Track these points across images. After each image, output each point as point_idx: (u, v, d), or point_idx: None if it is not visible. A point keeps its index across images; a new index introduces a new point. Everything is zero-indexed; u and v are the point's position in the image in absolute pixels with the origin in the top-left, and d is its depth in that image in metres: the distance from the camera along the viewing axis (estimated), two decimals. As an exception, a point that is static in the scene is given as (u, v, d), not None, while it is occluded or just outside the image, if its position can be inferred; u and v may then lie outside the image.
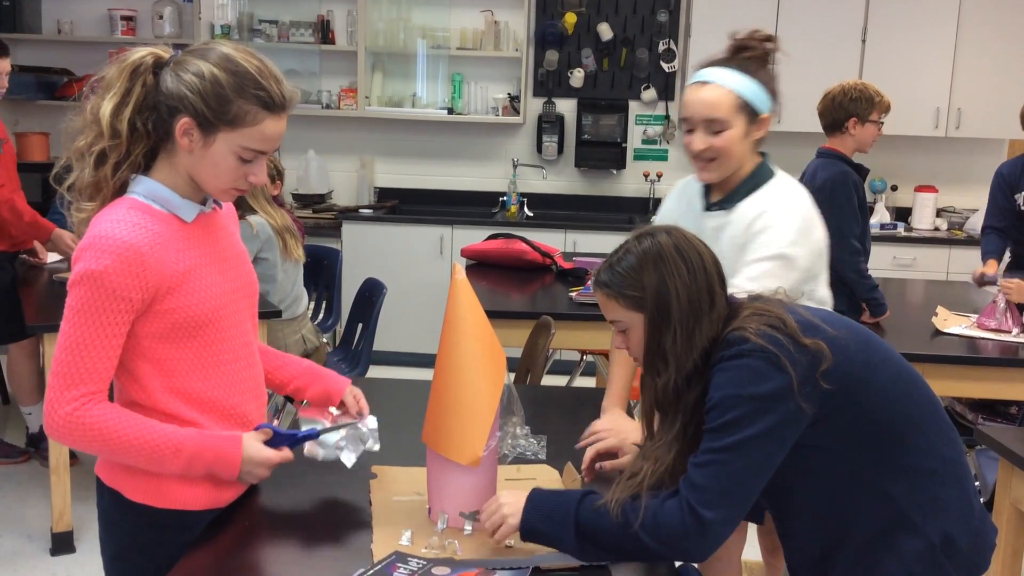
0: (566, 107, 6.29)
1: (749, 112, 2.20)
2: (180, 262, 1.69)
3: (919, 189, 6.18)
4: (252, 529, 1.80)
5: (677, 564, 1.80)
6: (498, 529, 1.71)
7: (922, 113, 5.85)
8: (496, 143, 6.39)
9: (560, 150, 6.27)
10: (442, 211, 6.16)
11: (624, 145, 6.24)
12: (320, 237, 5.70)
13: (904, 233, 6.00)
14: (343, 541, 1.77)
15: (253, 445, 1.76)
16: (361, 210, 6.10)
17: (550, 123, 6.20)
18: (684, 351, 1.68)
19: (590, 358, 4.78)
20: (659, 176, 6.25)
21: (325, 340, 4.56)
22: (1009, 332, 3.53)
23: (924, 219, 6.14)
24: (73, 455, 3.88)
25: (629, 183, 6.38)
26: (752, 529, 2.85)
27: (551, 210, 6.30)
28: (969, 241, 5.73)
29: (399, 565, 1.63)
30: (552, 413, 2.50)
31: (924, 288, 4.67)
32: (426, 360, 4.92)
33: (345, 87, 6.21)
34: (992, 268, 4.27)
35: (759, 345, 1.61)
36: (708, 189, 2.35)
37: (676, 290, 1.68)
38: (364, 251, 5.86)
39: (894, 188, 6.28)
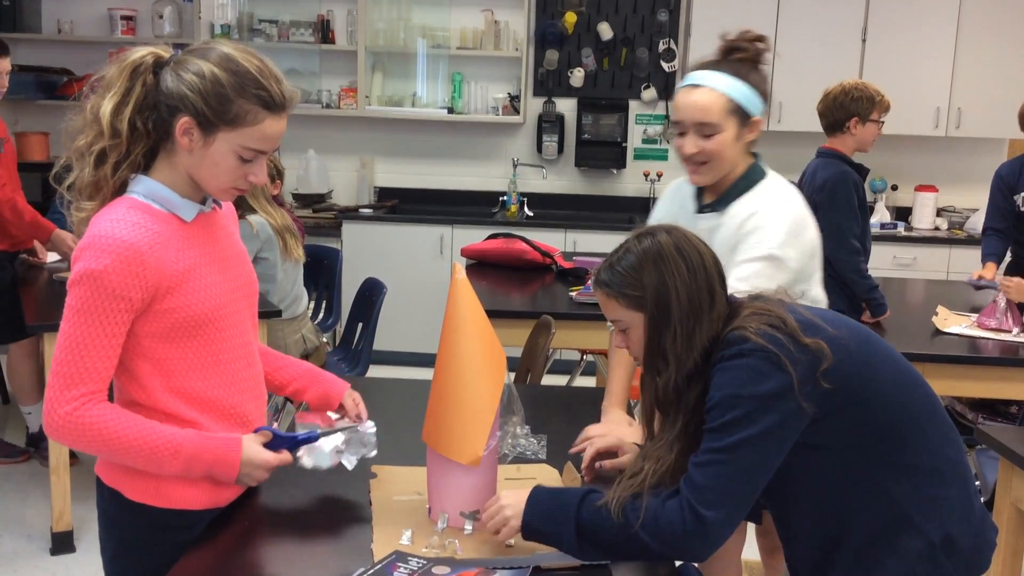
0: (566, 107, 6.29)
1: (740, 115, 2.20)
2: (180, 262, 1.69)
3: (919, 189, 6.18)
4: (252, 529, 1.80)
5: (677, 564, 1.80)
6: (500, 530, 1.71)
7: (922, 113, 5.85)
8: (496, 143, 6.39)
9: (560, 150, 6.27)
10: (442, 211, 6.16)
11: (624, 145, 6.24)
12: (320, 237, 5.70)
13: (904, 233, 6.00)
14: (343, 540, 1.77)
15: (252, 447, 1.75)
16: (361, 210, 6.10)
17: (550, 123, 6.20)
18: (684, 350, 1.68)
19: (590, 358, 4.78)
20: (659, 176, 6.25)
21: (325, 340, 4.56)
22: (1009, 332, 3.53)
23: (924, 219, 6.14)
24: (73, 455, 3.87)
25: (629, 183, 6.38)
26: (751, 529, 2.85)
27: (551, 210, 6.30)
28: (969, 241, 5.74)
29: (399, 564, 1.63)
30: (552, 413, 2.50)
31: (924, 288, 4.67)
32: (426, 360, 4.92)
33: (345, 87, 6.21)
34: (990, 272, 4.28)
35: (759, 344, 1.61)
36: (700, 191, 2.36)
37: (676, 289, 1.68)
38: (364, 251, 5.86)
39: (894, 188, 6.28)
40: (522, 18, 6.13)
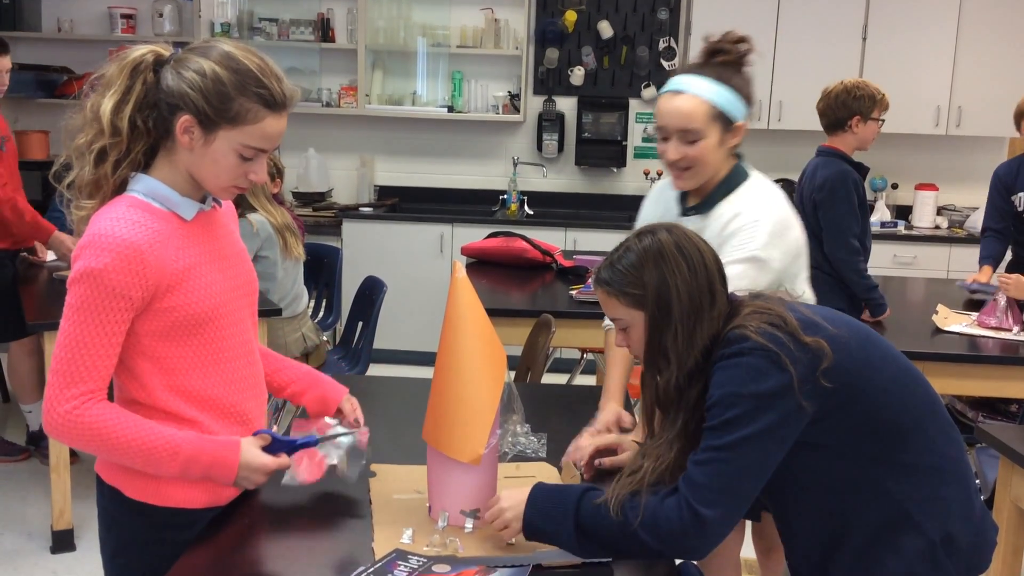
0: (566, 105, 6.29)
1: (724, 121, 2.20)
2: (180, 260, 1.69)
3: (919, 187, 6.18)
4: (252, 527, 1.80)
5: (678, 562, 1.81)
6: (502, 532, 1.72)
7: (923, 111, 5.85)
8: (496, 141, 6.39)
9: (560, 148, 6.27)
10: (442, 209, 6.16)
11: (624, 143, 6.24)
12: (320, 235, 5.70)
13: (904, 231, 5.99)
14: (344, 539, 1.77)
15: (250, 451, 1.75)
16: (361, 208, 6.10)
17: (550, 121, 6.20)
18: (685, 349, 1.68)
19: (590, 356, 4.78)
20: (659, 174, 6.24)
21: (325, 338, 4.56)
22: (1010, 330, 3.53)
23: (924, 217, 6.14)
24: (74, 453, 3.88)
25: (629, 181, 6.38)
26: (748, 528, 2.85)
27: (551, 208, 6.30)
28: (970, 239, 5.73)
29: (399, 563, 1.63)
30: (552, 411, 2.50)
31: (925, 286, 4.67)
32: (426, 358, 4.92)
33: (345, 85, 6.21)
34: (985, 275, 4.29)
35: (759, 343, 1.61)
36: (685, 193, 2.36)
37: (677, 288, 1.68)
38: (364, 249, 5.86)
39: (895, 186, 6.28)
40: (522, 16, 6.13)
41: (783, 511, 1.80)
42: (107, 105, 1.65)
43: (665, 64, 6.15)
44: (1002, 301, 3.59)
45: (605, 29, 6.13)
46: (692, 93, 2.18)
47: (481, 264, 4.56)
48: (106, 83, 1.68)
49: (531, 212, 6.20)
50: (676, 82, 2.23)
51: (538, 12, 6.18)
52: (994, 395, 3.59)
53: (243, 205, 3.84)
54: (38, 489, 4.07)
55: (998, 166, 4.45)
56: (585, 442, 2.08)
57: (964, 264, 5.57)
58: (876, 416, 1.66)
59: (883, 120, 3.77)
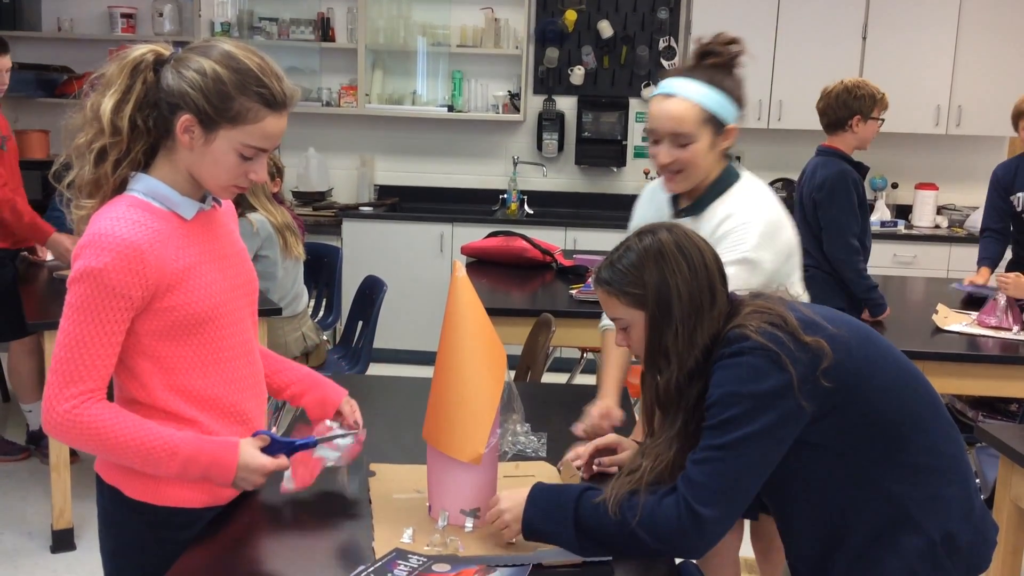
0: (566, 104, 6.29)
1: (715, 124, 2.20)
2: (180, 260, 1.69)
3: (920, 186, 6.18)
4: (252, 527, 1.80)
5: (678, 561, 1.81)
6: (502, 532, 1.72)
7: (923, 110, 5.85)
8: (496, 141, 6.39)
9: (560, 148, 6.27)
10: (442, 209, 6.16)
11: (624, 143, 6.24)
12: (320, 235, 5.70)
13: (904, 231, 5.99)
14: (344, 539, 1.77)
15: (249, 452, 1.74)
16: (361, 208, 6.10)
17: (550, 120, 6.20)
18: (685, 348, 1.68)
19: (590, 355, 4.78)
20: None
21: (325, 338, 4.56)
22: (1010, 330, 3.53)
23: (924, 216, 6.14)
24: (74, 453, 3.88)
25: (629, 180, 6.38)
26: (747, 529, 2.85)
27: (551, 208, 6.30)
28: (970, 239, 5.73)
29: (400, 562, 1.63)
30: (552, 411, 2.50)
31: (924, 286, 4.67)
32: (426, 358, 4.92)
33: (345, 85, 6.21)
34: (983, 277, 4.29)
35: (759, 343, 1.61)
36: (676, 195, 2.36)
37: (677, 287, 1.68)
38: (364, 249, 5.86)
39: (895, 186, 6.28)
40: (522, 16, 6.13)
41: (783, 510, 1.80)
42: (107, 104, 1.65)
43: (665, 63, 6.15)
44: (1002, 300, 3.59)
45: (605, 29, 6.13)
46: (683, 96, 2.18)
47: (481, 263, 4.56)
48: (106, 82, 1.68)
49: (531, 211, 6.20)
50: (667, 85, 2.22)
51: (538, 11, 6.18)
52: (994, 394, 3.59)
53: (243, 204, 3.84)
54: (38, 488, 4.07)
55: (996, 166, 4.46)
56: (584, 449, 2.09)
57: (964, 263, 5.57)
58: (876, 416, 1.66)
59: (883, 120, 3.78)
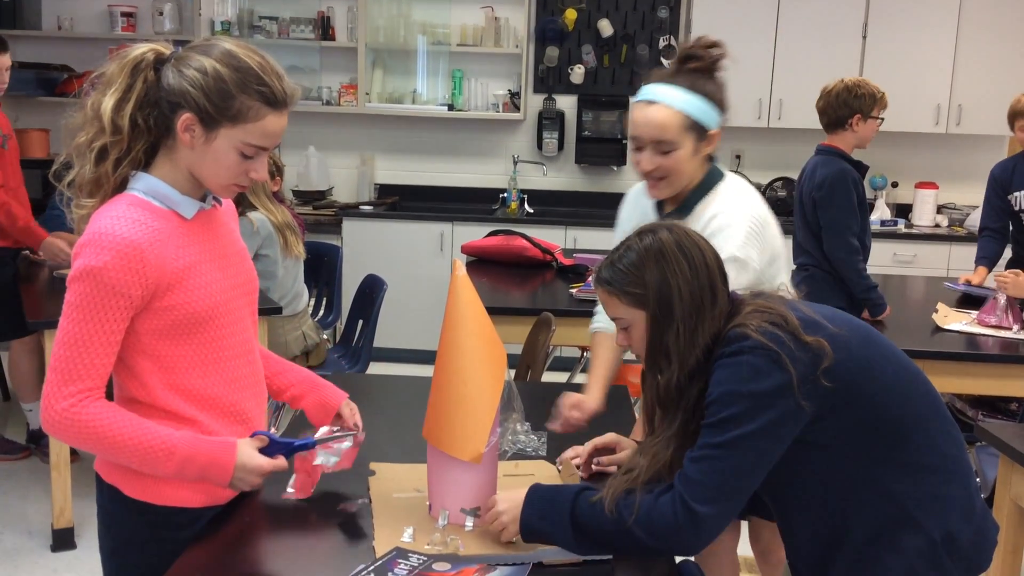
0: (566, 103, 6.28)
1: (697, 130, 2.18)
2: (180, 259, 1.69)
3: (920, 186, 6.18)
4: (252, 526, 1.80)
5: (678, 560, 1.81)
6: (499, 534, 1.72)
7: (923, 109, 5.85)
8: (496, 140, 6.39)
9: (560, 146, 6.27)
10: (442, 208, 6.16)
11: (624, 141, 6.22)
12: (320, 234, 5.70)
13: (904, 230, 5.99)
14: (344, 538, 1.77)
15: (247, 452, 1.74)
16: (361, 206, 6.10)
17: (550, 119, 6.20)
18: (687, 348, 1.68)
19: (590, 355, 4.77)
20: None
21: (325, 337, 4.56)
22: (1009, 329, 3.53)
23: (924, 216, 6.14)
24: (74, 452, 3.87)
25: (629, 179, 6.35)
26: (745, 529, 2.85)
27: (551, 206, 6.30)
28: (970, 238, 5.73)
29: (400, 561, 1.63)
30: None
31: (924, 285, 4.67)
32: (427, 357, 4.91)
33: (345, 83, 6.20)
34: (978, 277, 4.29)
35: (760, 342, 1.61)
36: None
37: (678, 287, 1.68)
38: (364, 247, 5.86)
39: (895, 185, 6.28)
40: (522, 15, 6.13)
41: (784, 509, 1.80)
42: (108, 103, 1.65)
43: (665, 62, 6.15)
44: (1002, 300, 3.59)
45: (605, 27, 6.13)
46: (665, 103, 2.17)
47: (481, 262, 4.56)
48: (107, 81, 1.67)
49: (531, 210, 6.20)
50: (649, 92, 2.20)
51: (538, 10, 6.18)
52: (994, 393, 3.59)
53: (243, 203, 3.84)
54: (38, 487, 4.07)
55: (994, 165, 4.46)
56: (583, 448, 2.08)
57: (964, 263, 5.56)
58: (877, 415, 1.66)
59: (883, 119, 3.78)
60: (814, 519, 1.72)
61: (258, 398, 1.88)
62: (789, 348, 1.60)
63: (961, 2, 5.74)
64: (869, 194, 4.68)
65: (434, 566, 1.62)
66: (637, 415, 2.28)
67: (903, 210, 6.25)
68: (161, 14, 6.10)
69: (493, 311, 2.01)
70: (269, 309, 3.60)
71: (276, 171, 4.13)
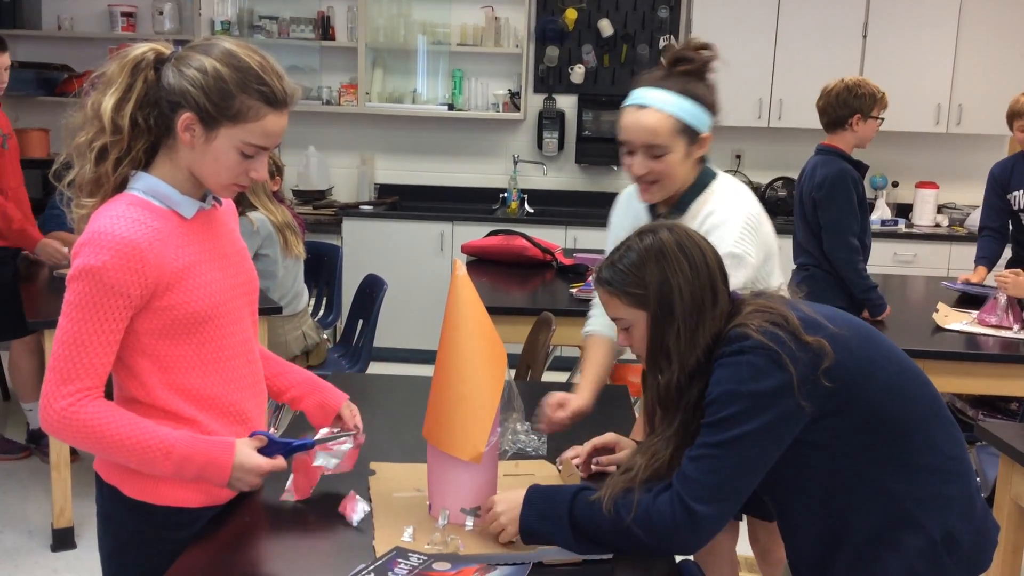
0: (567, 103, 6.28)
1: (689, 134, 2.17)
2: (179, 258, 1.69)
3: (920, 185, 6.18)
4: (252, 526, 1.80)
5: (678, 559, 1.81)
6: (498, 535, 1.72)
7: (923, 109, 5.85)
8: (496, 139, 6.39)
9: (561, 146, 6.27)
10: (443, 207, 6.16)
11: (625, 141, 6.23)
12: (320, 233, 5.70)
13: (905, 229, 6.00)
14: (344, 538, 1.77)
15: (245, 452, 1.74)
16: (361, 206, 6.10)
17: (551, 119, 6.20)
18: (687, 348, 1.68)
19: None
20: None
21: (325, 336, 4.56)
22: (1010, 328, 3.53)
23: (925, 215, 6.14)
24: (74, 451, 3.87)
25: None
26: (744, 530, 2.85)
27: (552, 206, 6.30)
28: (970, 237, 5.72)
29: (400, 561, 1.63)
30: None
31: (925, 284, 4.67)
32: (427, 356, 4.92)
33: (345, 83, 6.20)
34: (978, 276, 4.29)
35: (760, 342, 1.61)
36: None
37: (679, 287, 1.68)
38: (364, 247, 5.86)
39: (895, 184, 6.28)
40: (522, 14, 6.13)
41: (784, 509, 1.80)
42: (108, 103, 1.65)
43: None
44: (1002, 299, 3.59)
45: (605, 27, 6.13)
46: (656, 107, 2.15)
47: (481, 262, 4.56)
48: (107, 81, 1.67)
49: (531, 210, 6.20)
50: (639, 96, 2.19)
51: (538, 10, 6.17)
52: (994, 393, 3.59)
53: (243, 203, 3.84)
54: (38, 487, 4.07)
55: (993, 165, 4.46)
56: (583, 448, 2.08)
57: (965, 262, 5.56)
58: (878, 415, 1.66)
59: (883, 119, 3.78)
60: (814, 519, 1.72)
61: (258, 398, 1.88)
62: (790, 348, 1.60)
63: (961, 2, 5.74)
64: (869, 194, 4.68)
65: (434, 566, 1.62)
66: (637, 415, 2.28)
67: (903, 210, 6.25)
68: (161, 14, 6.10)
69: (493, 311, 2.01)
70: (269, 309, 3.60)
71: (276, 171, 4.13)
